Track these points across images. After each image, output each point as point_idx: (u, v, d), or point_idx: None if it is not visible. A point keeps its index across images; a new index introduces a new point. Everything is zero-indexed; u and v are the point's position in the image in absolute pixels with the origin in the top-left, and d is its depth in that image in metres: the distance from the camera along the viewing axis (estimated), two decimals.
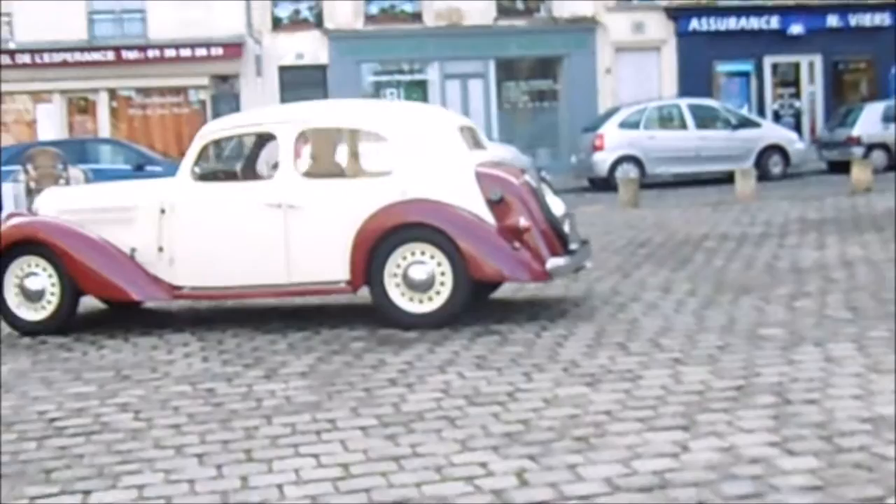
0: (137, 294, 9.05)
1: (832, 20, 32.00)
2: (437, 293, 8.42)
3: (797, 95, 32.68)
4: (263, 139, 9.51)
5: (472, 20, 31.08)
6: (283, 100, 30.22)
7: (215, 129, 9.48)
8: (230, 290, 8.98)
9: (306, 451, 5.39)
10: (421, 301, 8.45)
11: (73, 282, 8.96)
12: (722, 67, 31.68)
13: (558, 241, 8.66)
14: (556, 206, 8.96)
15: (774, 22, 31.74)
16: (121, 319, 9.50)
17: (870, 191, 19.60)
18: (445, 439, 5.47)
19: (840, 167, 25.41)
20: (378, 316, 8.57)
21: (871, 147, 26.48)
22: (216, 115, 29.84)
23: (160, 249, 8.95)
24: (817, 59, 32.31)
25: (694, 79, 30.79)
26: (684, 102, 26.86)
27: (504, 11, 31.68)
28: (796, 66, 32.58)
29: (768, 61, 31.96)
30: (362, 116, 9.46)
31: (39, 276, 9.00)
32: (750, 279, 10.08)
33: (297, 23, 31.31)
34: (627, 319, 8.31)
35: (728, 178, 22.24)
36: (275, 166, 9.16)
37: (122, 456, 5.46)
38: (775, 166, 26.03)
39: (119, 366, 7.67)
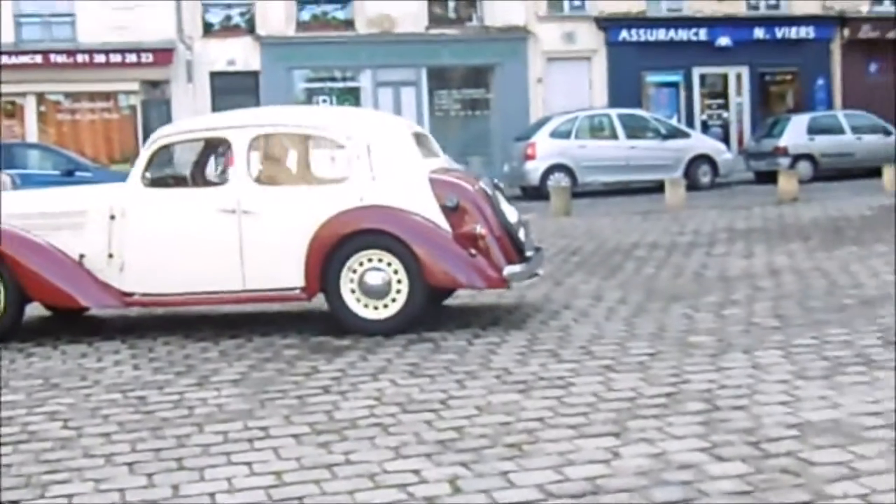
0: (87, 301, 8.90)
1: (759, 33, 32.45)
2: (394, 300, 8.42)
3: (725, 106, 33.10)
4: (215, 144, 9.45)
5: (405, 28, 31.12)
6: (215, 106, 30.05)
7: (167, 134, 9.33)
8: (182, 297, 8.87)
9: (239, 459, 5.36)
10: (377, 308, 8.44)
11: (19, 289, 8.81)
12: (651, 78, 32.03)
13: (513, 247, 8.68)
14: (511, 213, 8.99)
15: (703, 34, 32.13)
16: (52, 327, 9.39)
17: (796, 201, 19.91)
18: (378, 447, 5.47)
19: (767, 177, 25.79)
20: (333, 322, 8.55)
21: (797, 158, 26.92)
22: (146, 121, 29.73)
23: (110, 256, 8.83)
24: (744, 71, 32.77)
25: (624, 89, 31.09)
26: (615, 112, 27.11)
27: (436, 20, 31.76)
28: (724, 77, 33.01)
29: (697, 72, 32.37)
30: (317, 122, 9.38)
31: None
32: (679, 287, 10.20)
33: (228, 29, 31.14)
34: (559, 327, 8.37)
35: (658, 188, 22.47)
36: (223, 172, 9.10)
37: (50, 465, 5.40)
38: (704, 176, 26.35)
39: (48, 374, 7.58)
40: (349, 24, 31.50)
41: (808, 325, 8.02)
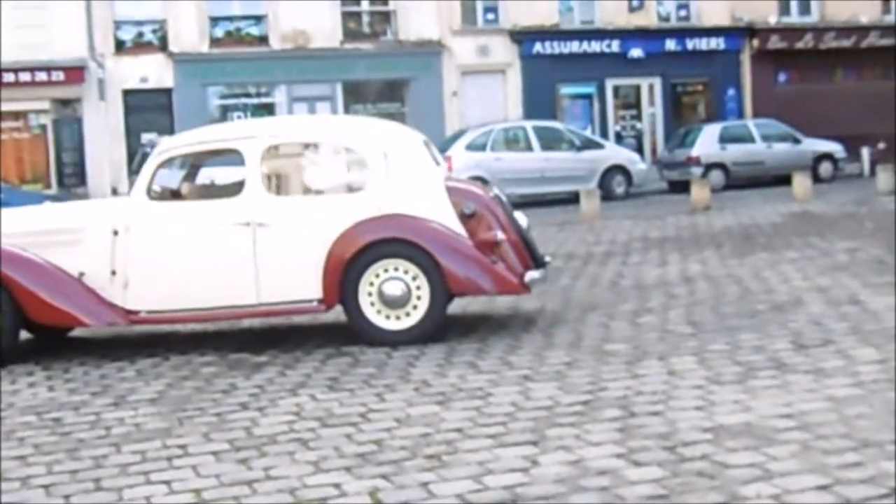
0: (91, 319, 8.58)
1: (670, 44, 32.90)
2: (414, 308, 8.37)
3: (638, 117, 33.49)
4: (208, 157, 9.28)
5: (319, 43, 31.07)
6: (128, 124, 29.77)
7: (173, 145, 9.12)
8: (191, 313, 8.67)
9: (157, 478, 5.33)
10: (398, 318, 8.38)
11: (17, 310, 8.50)
12: (565, 90, 32.33)
13: (529, 253, 8.74)
14: (521, 219, 9.05)
15: (615, 46, 32.49)
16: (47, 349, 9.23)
17: (709, 209, 20.21)
18: (298, 461, 5.47)
19: (680, 186, 26.16)
20: (351, 333, 8.48)
21: (709, 167, 27.33)
22: (57, 140, 29.35)
23: (113, 273, 8.58)
24: (657, 82, 33.19)
25: (538, 101, 31.34)
26: (529, 124, 27.30)
27: (350, 34, 31.75)
28: (637, 88, 33.41)
29: (610, 84, 32.72)
30: (331, 132, 9.26)
31: None
32: (595, 296, 10.31)
33: (140, 46, 30.83)
34: (478, 338, 8.42)
35: (573, 199, 22.66)
36: (212, 182, 8.93)
37: None
38: (618, 186, 26.62)
39: None
40: (263, 39, 31.37)
41: (722, 331, 8.16)
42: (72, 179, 30.11)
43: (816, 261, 11.82)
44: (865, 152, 29.33)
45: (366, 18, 32.38)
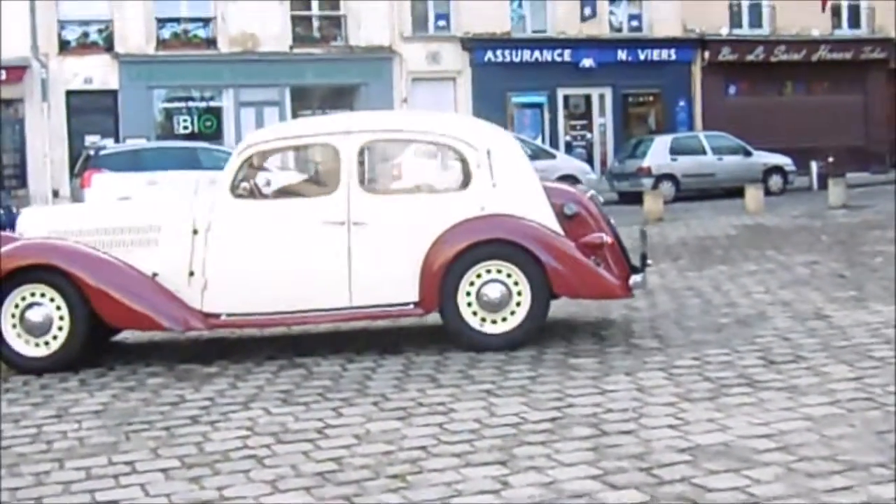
0: (169, 323, 8.10)
1: (622, 54, 32.84)
2: (513, 313, 8.06)
3: (589, 127, 33.39)
4: (298, 153, 8.87)
5: (268, 47, 30.68)
6: (71, 126, 29.19)
7: (261, 140, 8.63)
8: (277, 317, 8.24)
9: (103, 497, 5.00)
10: (495, 321, 8.06)
11: (88, 312, 7.99)
12: (516, 99, 32.14)
13: (624, 257, 8.48)
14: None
15: (567, 55, 32.38)
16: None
17: (661, 220, 20.10)
18: (254, 480, 5.16)
19: (630, 197, 26.05)
20: (452, 338, 8.16)
21: (659, 178, 27.26)
22: None
23: (191, 274, 8.14)
24: (608, 92, 33.12)
25: (489, 109, 30.85)
26: None
27: (300, 39, 31.40)
28: (587, 98, 33.33)
29: (561, 93, 32.60)
30: (432, 128, 8.69)
31: (44, 306, 8.00)
32: (555, 309, 10.01)
33: (85, 46, 30.26)
34: (436, 350, 8.12)
35: None
36: (268, 184, 8.50)
37: None
38: None
39: None
40: (211, 42, 30.93)
41: (688, 345, 7.94)
42: (12, 181, 29.46)
43: (776, 274, 11.67)
44: (814, 166, 29.42)
45: (316, 23, 32.06)
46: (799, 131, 32.19)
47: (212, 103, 31.15)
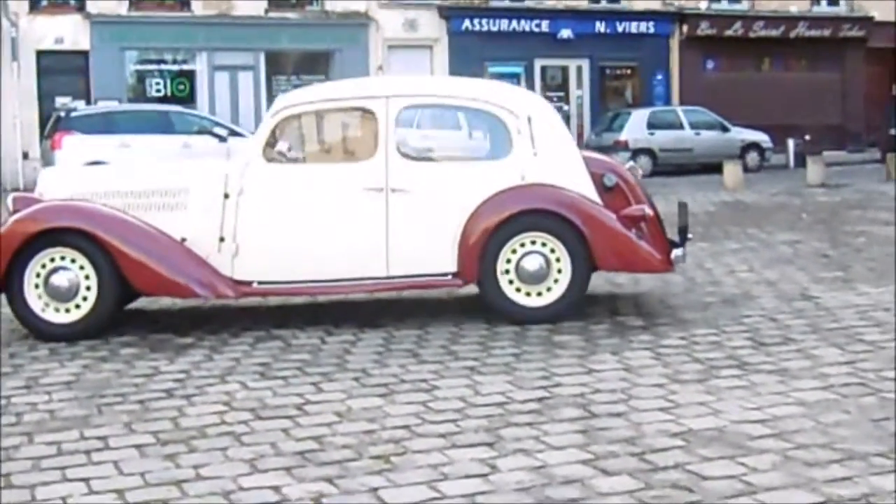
0: (201, 290, 7.80)
1: (600, 26, 32.56)
2: (549, 288, 7.86)
3: (565, 99, 33.10)
4: (334, 117, 8.53)
5: (243, 11, 30.22)
6: (41, 87, 28.72)
7: (295, 102, 8.27)
8: (311, 286, 8.02)
9: (74, 474, 4.79)
10: (539, 294, 7.87)
11: (116, 278, 7.71)
12: (493, 68, 31.80)
13: (662, 230, 8.24)
14: None
15: (545, 26, 32.07)
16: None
17: None
18: (232, 459, 4.97)
19: None
20: (490, 310, 7.96)
21: (636, 152, 27.07)
22: None
23: (221, 240, 7.87)
24: (585, 64, 32.85)
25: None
26: None
27: (276, 3, 30.92)
28: (565, 69, 33.06)
29: (538, 64, 32.32)
30: (472, 94, 8.39)
31: (70, 270, 7.70)
32: None
33: (56, 5, 29.68)
34: (417, 324, 7.94)
35: None
36: (289, 149, 8.22)
37: None
38: None
39: None
40: (185, 4, 30.42)
41: (674, 324, 7.79)
42: None
43: (759, 252, 11.54)
44: (791, 143, 29.32)
45: None
46: (776, 108, 32.07)
47: (185, 66, 30.66)
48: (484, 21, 31.73)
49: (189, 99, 29.72)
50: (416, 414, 5.64)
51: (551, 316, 7.81)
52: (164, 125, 22.99)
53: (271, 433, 5.36)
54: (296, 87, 31.22)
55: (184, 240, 7.87)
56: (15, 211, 7.94)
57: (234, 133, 24.01)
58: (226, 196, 7.88)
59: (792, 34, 34.06)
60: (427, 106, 8.45)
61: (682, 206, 8.40)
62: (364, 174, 7.89)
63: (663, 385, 6.11)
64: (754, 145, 28.75)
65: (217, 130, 23.54)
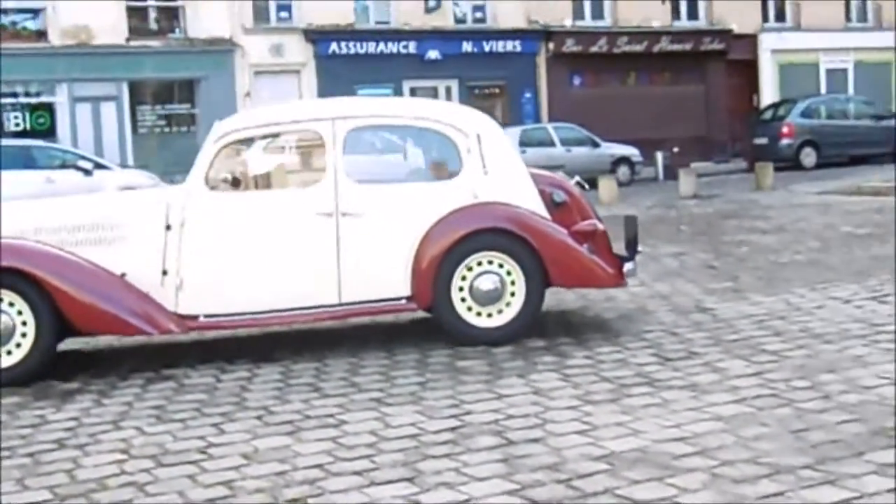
0: (145, 326, 7.45)
1: (467, 46, 32.67)
2: (507, 304, 7.68)
3: None
4: (278, 141, 8.23)
5: (103, 40, 29.54)
6: None
7: (238, 127, 7.89)
8: (261, 317, 7.65)
9: None
10: (492, 314, 7.68)
11: (54, 317, 7.31)
12: (362, 91, 31.63)
13: (609, 245, 8.10)
14: None
15: (412, 47, 32.06)
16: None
17: None
18: None
19: None
20: (446, 334, 7.76)
21: None
22: None
23: (164, 273, 7.50)
24: (454, 84, 32.92)
25: None
26: None
27: (137, 31, 30.31)
28: (434, 90, 33.05)
29: (407, 86, 32.26)
30: (420, 113, 8.19)
31: (4, 312, 7.28)
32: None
33: None
34: (313, 357, 7.69)
35: None
36: (233, 176, 7.89)
37: None
38: None
39: None
40: (42, 34, 29.63)
41: (575, 343, 7.68)
42: None
43: (646, 266, 11.50)
44: (660, 156, 29.75)
45: (153, 14, 31.03)
46: (642, 122, 32.56)
47: (44, 98, 29.86)
48: (351, 44, 31.58)
49: (50, 132, 28.93)
50: (328, 451, 5.41)
51: (507, 336, 7.71)
52: (25, 160, 22.29)
53: (176, 481, 5.08)
54: (161, 116, 30.92)
55: (124, 275, 7.54)
56: None
57: (99, 166, 23.46)
58: (167, 227, 7.58)
59: (655, 48, 34.64)
60: (375, 126, 8.22)
61: (631, 219, 8.39)
62: (313, 199, 7.68)
63: (576, 407, 5.98)
64: (625, 159, 29.11)
65: (81, 164, 22.98)
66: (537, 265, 7.73)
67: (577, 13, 34.20)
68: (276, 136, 8.28)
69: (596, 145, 29.03)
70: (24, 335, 7.32)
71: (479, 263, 7.72)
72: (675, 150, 29.35)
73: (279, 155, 8.65)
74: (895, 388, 5.97)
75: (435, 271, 7.65)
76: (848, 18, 38.31)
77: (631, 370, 6.77)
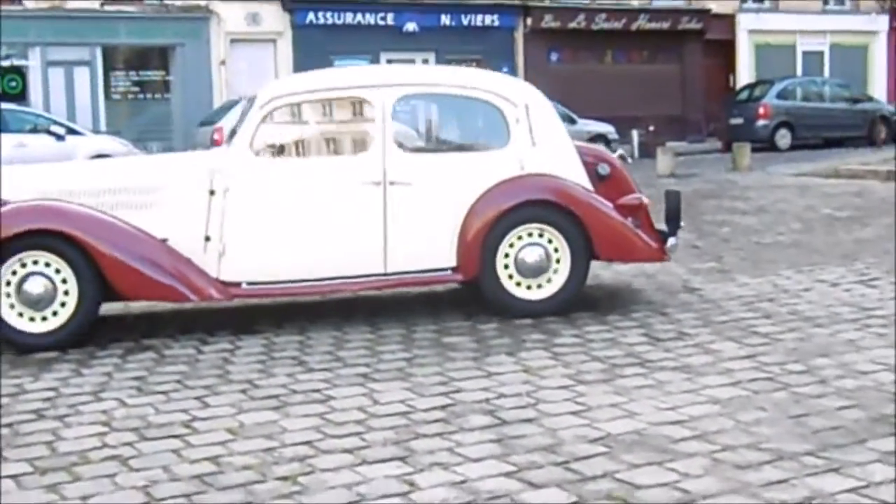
0: (188, 293, 7.32)
1: (445, 19, 32.42)
2: (553, 275, 7.64)
3: None
4: (326, 107, 8.13)
5: (77, 4, 29.12)
6: None
7: (284, 92, 7.80)
8: (304, 286, 7.57)
9: None
10: (540, 286, 7.67)
11: (97, 282, 7.16)
12: (339, 62, 31.33)
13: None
14: None
15: (390, 19, 31.78)
16: None
17: None
18: (123, 487, 4.55)
19: None
20: (489, 305, 7.70)
21: None
22: None
23: (207, 239, 7.37)
24: (431, 57, 32.58)
25: None
26: None
27: None
28: (412, 62, 32.77)
29: (384, 58, 31.94)
30: (469, 82, 8.02)
31: (46, 275, 7.13)
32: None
33: None
34: (296, 329, 7.56)
35: None
36: (275, 145, 7.79)
37: None
38: None
39: None
40: None
41: (563, 320, 7.55)
42: None
43: None
44: (635, 134, 29.65)
45: None
46: (618, 99, 32.41)
47: (17, 62, 29.41)
48: (328, 14, 31.25)
49: (21, 96, 28.51)
50: (316, 428, 5.28)
51: (551, 308, 7.64)
52: None
53: (161, 455, 4.94)
54: (134, 83, 30.55)
55: (165, 240, 7.39)
56: None
57: (71, 131, 23.18)
58: (211, 192, 7.45)
59: (633, 26, 34.47)
60: (424, 95, 8.12)
61: (673, 194, 8.32)
62: (360, 167, 7.57)
63: (568, 387, 5.87)
64: (601, 137, 28.93)
65: (54, 129, 22.73)
66: (583, 238, 7.68)
67: None
68: (323, 101, 8.18)
69: (573, 122, 28.84)
70: (64, 299, 7.19)
71: (527, 235, 7.66)
72: (651, 128, 29.25)
73: (326, 121, 8.54)
74: (894, 374, 5.89)
75: (482, 242, 7.57)
76: (826, 1, 38.29)
77: (621, 350, 6.67)
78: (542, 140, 7.81)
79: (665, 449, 4.76)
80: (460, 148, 8.09)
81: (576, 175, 7.84)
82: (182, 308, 8.31)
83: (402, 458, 4.77)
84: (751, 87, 33.14)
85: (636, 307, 7.97)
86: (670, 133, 31.59)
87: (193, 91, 29.90)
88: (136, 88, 30.56)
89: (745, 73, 36.65)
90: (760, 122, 30.12)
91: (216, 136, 24.66)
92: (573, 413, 5.38)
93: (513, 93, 7.91)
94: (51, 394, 6.10)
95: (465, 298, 8.40)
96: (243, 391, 6.02)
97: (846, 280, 8.82)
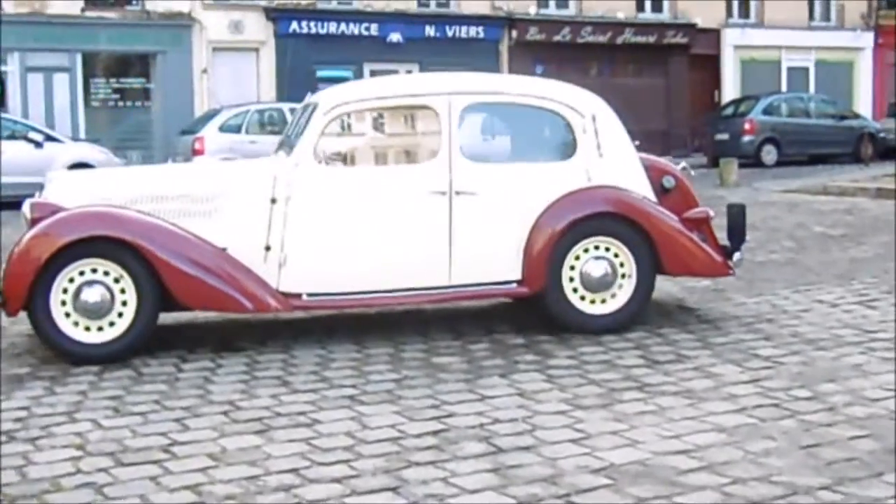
0: (248, 304, 7.10)
1: (430, 30, 32.20)
2: (616, 293, 7.47)
3: None
4: (391, 115, 8.04)
5: (58, 9, 28.77)
6: None
7: (350, 99, 7.60)
8: (366, 298, 7.34)
9: None
10: (602, 301, 7.52)
11: (156, 291, 6.96)
12: (322, 72, 31.10)
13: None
14: None
15: (374, 29, 31.53)
16: None
17: None
18: None
19: None
20: (554, 320, 7.48)
21: None
22: None
23: (267, 248, 7.15)
24: (415, 68, 32.31)
25: (294, 83, 29.97)
26: (287, 106, 25.94)
27: (92, 1, 29.55)
28: (395, 73, 32.58)
29: (368, 68, 31.70)
30: (535, 91, 7.83)
31: (103, 283, 6.91)
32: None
33: None
34: (280, 347, 7.28)
35: None
36: (339, 153, 7.67)
37: None
38: None
39: None
40: None
41: (556, 340, 7.29)
42: None
43: None
44: None
45: None
46: None
47: None
48: (312, 24, 30.99)
49: None
50: (302, 454, 5.01)
51: (616, 323, 7.46)
52: None
53: (139, 483, 4.66)
54: (115, 90, 30.21)
55: (224, 249, 7.16)
56: (35, 220, 7.04)
57: (50, 138, 22.83)
58: (273, 201, 7.22)
59: (619, 40, 34.32)
60: (490, 104, 7.86)
61: (739, 208, 8.14)
62: (426, 176, 7.36)
63: (566, 412, 5.62)
64: None
65: (32, 135, 22.37)
66: (649, 252, 7.51)
67: (542, 2, 33.82)
68: (388, 109, 8.03)
69: None
70: (122, 309, 6.98)
71: (594, 248, 7.49)
72: (636, 143, 29.02)
73: (390, 129, 8.38)
74: None
75: (548, 255, 7.37)
76: (811, 17, 38.23)
77: (619, 373, 6.42)
78: (609, 151, 7.65)
79: (672, 481, 4.51)
80: (526, 158, 7.86)
81: (642, 187, 7.70)
82: (161, 323, 8.03)
83: (393, 489, 4.51)
84: (736, 102, 33.00)
85: (631, 327, 7.70)
86: (655, 148, 31.29)
87: (174, 99, 29.59)
88: (117, 96, 30.23)
89: (730, 88, 36.50)
90: (746, 138, 29.96)
91: (197, 146, 24.42)
92: (572, 441, 5.12)
93: (580, 103, 7.73)
94: (23, 413, 5.81)
95: (450, 315, 8.15)
96: (225, 413, 5.75)
97: (846, 301, 8.59)
